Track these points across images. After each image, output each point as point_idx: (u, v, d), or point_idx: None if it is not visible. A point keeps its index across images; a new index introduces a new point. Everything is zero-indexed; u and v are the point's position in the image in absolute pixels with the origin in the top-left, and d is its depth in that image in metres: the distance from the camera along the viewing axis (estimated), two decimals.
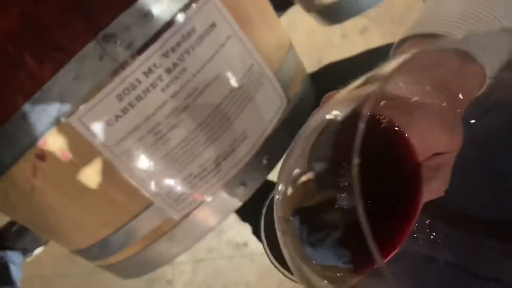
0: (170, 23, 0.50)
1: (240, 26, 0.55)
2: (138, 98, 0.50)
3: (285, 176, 0.25)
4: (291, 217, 0.25)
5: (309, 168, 0.24)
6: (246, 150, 0.57)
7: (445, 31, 0.36)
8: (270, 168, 0.59)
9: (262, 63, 0.58)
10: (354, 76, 0.74)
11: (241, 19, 0.56)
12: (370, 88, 0.22)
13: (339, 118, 0.22)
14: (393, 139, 0.28)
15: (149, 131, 0.52)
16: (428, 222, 0.36)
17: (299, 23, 1.33)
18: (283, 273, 0.47)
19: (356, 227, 0.24)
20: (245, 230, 1.36)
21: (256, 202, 0.59)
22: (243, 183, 0.58)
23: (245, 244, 1.40)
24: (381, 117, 0.27)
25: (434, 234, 0.37)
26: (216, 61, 0.54)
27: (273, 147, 0.59)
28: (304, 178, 0.24)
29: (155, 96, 0.51)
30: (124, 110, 0.50)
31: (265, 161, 0.59)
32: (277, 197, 0.26)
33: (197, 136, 0.54)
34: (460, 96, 0.35)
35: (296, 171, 0.25)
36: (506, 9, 0.36)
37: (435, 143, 0.31)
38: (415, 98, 0.31)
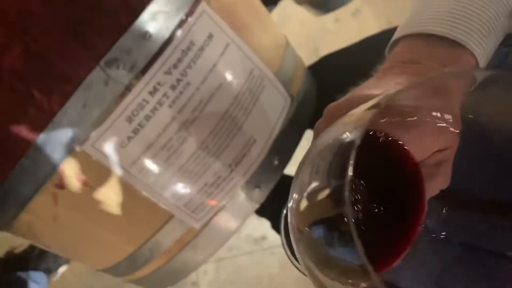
0: (169, 40, 0.51)
1: (236, 33, 0.56)
2: (147, 118, 0.51)
3: (299, 189, 0.26)
4: (306, 228, 0.26)
5: (325, 185, 0.26)
6: (256, 153, 0.58)
7: (435, 30, 0.36)
8: (282, 167, 0.61)
9: (262, 66, 0.59)
10: (351, 67, 0.74)
11: (236, 26, 0.56)
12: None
13: (349, 140, 0.23)
14: (391, 149, 0.29)
15: (161, 147, 0.53)
16: (441, 208, 0.37)
17: (291, 14, 1.34)
18: (300, 270, 0.48)
19: (370, 236, 0.25)
20: (263, 224, 1.38)
21: (273, 197, 0.61)
22: (257, 186, 0.59)
23: (264, 238, 1.42)
24: (378, 131, 0.28)
25: (447, 218, 0.38)
26: (218, 71, 0.54)
27: (283, 146, 0.60)
28: (319, 193, 0.25)
29: (163, 113, 0.52)
30: (135, 131, 0.51)
31: (276, 162, 0.60)
32: (291, 205, 0.27)
33: (208, 146, 0.55)
34: (455, 92, 0.36)
35: (311, 185, 0.26)
36: (498, 6, 0.37)
37: (435, 142, 0.32)
38: (412, 102, 0.32)
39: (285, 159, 0.61)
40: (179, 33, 0.51)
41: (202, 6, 0.53)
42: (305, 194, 0.25)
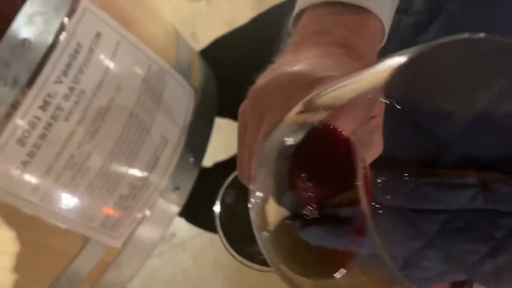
0: (52, 46, 0.44)
1: (126, 28, 0.51)
2: (42, 137, 0.45)
3: (261, 189, 0.25)
4: (273, 226, 0.25)
5: (281, 191, 0.24)
6: (170, 154, 0.54)
7: None
8: (198, 163, 0.58)
9: (159, 60, 0.54)
10: (245, 49, 0.72)
11: (124, 20, 0.51)
12: (317, 117, 0.22)
13: (291, 142, 0.23)
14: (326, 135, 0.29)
15: (64, 167, 0.47)
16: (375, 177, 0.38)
17: (162, 1, 1.28)
18: (247, 265, 0.46)
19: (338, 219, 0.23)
20: None
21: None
22: (177, 188, 0.55)
23: (173, 235, 1.37)
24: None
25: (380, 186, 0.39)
26: (113, 72, 0.49)
27: (195, 141, 0.57)
28: (285, 193, 0.23)
29: (59, 128, 0.46)
30: (31, 154, 0.44)
31: (191, 159, 0.56)
32: (255, 204, 0.26)
33: (117, 156, 0.50)
34: (369, 57, 0.36)
35: (274, 186, 0.24)
36: None
37: (368, 110, 0.32)
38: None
39: (200, 154, 0.58)
40: (63, 36, 0.45)
41: (84, 3, 0.47)
42: (270, 194, 0.24)
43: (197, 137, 0.57)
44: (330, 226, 0.21)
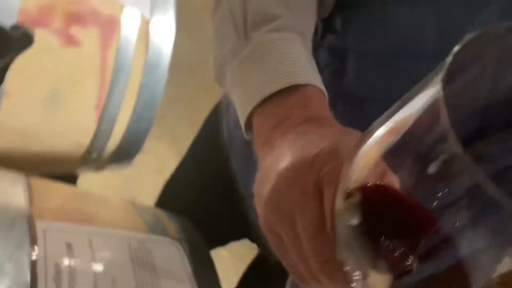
0: (34, 280, 0.42)
1: (90, 226, 0.50)
2: None
3: (356, 271, 0.25)
4: None
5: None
6: None
7: (274, 88, 0.37)
8: None
9: (133, 234, 0.54)
10: (192, 181, 0.72)
11: (84, 220, 0.51)
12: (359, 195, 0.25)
13: (356, 222, 0.25)
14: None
15: None
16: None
17: (93, 183, 1.27)
18: None
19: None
20: None
21: None
22: None
23: None
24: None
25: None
26: (101, 270, 0.48)
27: (208, 286, 0.55)
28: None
29: None
30: None
31: None
32: (357, 282, 0.26)
33: None
34: (328, 117, 0.38)
35: (365, 266, 0.25)
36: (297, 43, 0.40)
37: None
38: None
39: None
40: (38, 266, 0.43)
41: (40, 225, 0.46)
42: (367, 269, 0.25)
43: (206, 281, 0.55)
44: (430, 269, 0.21)
